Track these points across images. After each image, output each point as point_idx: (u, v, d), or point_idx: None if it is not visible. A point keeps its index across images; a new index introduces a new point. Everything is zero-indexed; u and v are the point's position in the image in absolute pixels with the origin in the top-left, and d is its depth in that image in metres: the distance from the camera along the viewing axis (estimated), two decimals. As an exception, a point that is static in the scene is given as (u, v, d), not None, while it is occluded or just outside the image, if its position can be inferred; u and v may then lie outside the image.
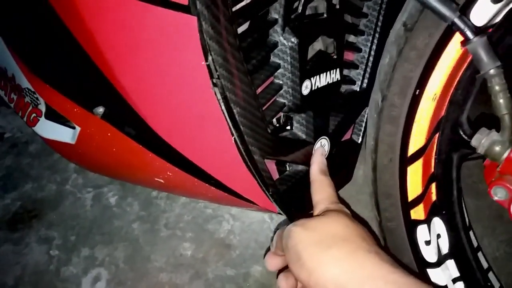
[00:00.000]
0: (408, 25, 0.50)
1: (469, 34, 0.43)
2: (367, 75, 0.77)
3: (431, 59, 0.51)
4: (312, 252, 0.50)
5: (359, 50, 0.76)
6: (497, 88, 0.43)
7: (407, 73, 0.53)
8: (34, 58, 0.67)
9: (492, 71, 0.43)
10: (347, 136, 0.83)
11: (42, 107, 0.68)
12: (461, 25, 0.43)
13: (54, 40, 0.59)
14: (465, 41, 0.44)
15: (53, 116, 0.67)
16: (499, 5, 0.45)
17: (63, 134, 0.66)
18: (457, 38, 0.49)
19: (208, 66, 0.49)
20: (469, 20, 0.47)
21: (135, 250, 1.07)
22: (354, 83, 0.78)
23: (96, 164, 0.74)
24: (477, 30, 0.44)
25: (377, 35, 0.76)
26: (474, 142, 0.50)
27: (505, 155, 0.47)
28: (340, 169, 0.82)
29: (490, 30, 0.49)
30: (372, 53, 0.77)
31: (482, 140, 0.49)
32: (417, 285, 0.43)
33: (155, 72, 0.52)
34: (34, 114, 0.70)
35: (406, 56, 0.52)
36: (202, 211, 1.16)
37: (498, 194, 0.47)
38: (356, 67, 0.77)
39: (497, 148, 0.47)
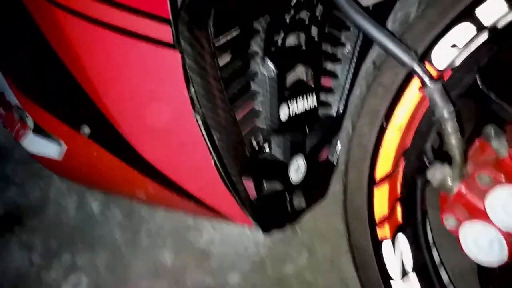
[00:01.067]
0: (377, 63, 0.55)
1: (426, 80, 0.47)
2: (343, 100, 0.82)
3: (397, 95, 0.56)
4: None
5: (336, 76, 0.81)
6: (449, 130, 0.48)
7: (375, 106, 0.58)
8: (23, 78, 0.70)
9: (446, 115, 0.48)
10: (324, 157, 0.87)
11: (30, 123, 0.71)
12: (419, 72, 0.47)
13: (42, 62, 0.62)
14: (423, 87, 0.49)
15: (41, 132, 0.70)
16: (457, 51, 0.50)
17: (50, 150, 0.69)
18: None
19: (191, 97, 0.52)
20: (431, 62, 0.51)
21: (116, 258, 1.10)
22: (330, 107, 0.82)
23: (81, 179, 0.76)
24: (433, 78, 0.48)
25: (353, 64, 0.80)
26: (429, 175, 0.55)
27: (455, 188, 0.52)
28: (316, 186, 0.87)
29: (450, 71, 0.53)
30: (349, 80, 0.81)
31: (436, 174, 0.54)
32: None
33: (139, 98, 0.56)
34: (22, 130, 0.72)
35: (374, 91, 0.56)
36: (183, 220, 1.19)
37: (450, 223, 0.52)
38: (333, 92, 0.81)
39: (449, 182, 0.52)
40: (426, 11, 0.48)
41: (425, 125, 0.61)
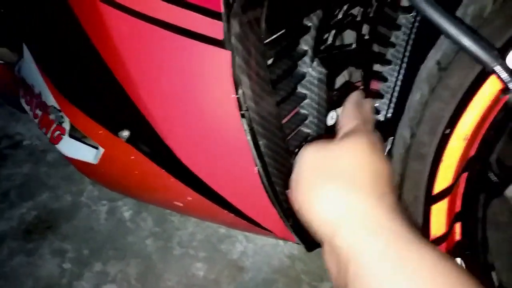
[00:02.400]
0: (442, 64, 0.50)
1: (510, 84, 0.42)
2: (392, 104, 0.77)
3: (464, 100, 0.50)
4: (310, 178, 0.46)
5: (385, 79, 0.76)
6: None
7: (438, 111, 0.52)
8: (63, 78, 0.67)
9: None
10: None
11: (67, 125, 0.68)
12: (503, 75, 0.42)
13: (83, 62, 0.60)
14: (505, 90, 0.43)
15: (77, 134, 0.68)
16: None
17: (86, 154, 0.66)
18: (492, 79, 0.49)
19: (238, 98, 0.48)
20: (506, 64, 0.46)
21: (147, 267, 1.07)
22: (379, 112, 0.77)
23: (117, 185, 0.74)
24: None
25: (404, 66, 0.75)
26: (509, 193, 0.49)
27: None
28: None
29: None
30: (398, 83, 0.76)
31: (518, 192, 0.48)
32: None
33: (183, 100, 0.52)
34: (58, 132, 0.70)
35: (438, 95, 0.51)
36: (216, 230, 1.15)
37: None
38: (381, 96, 0.76)
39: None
40: (505, 5, 0.43)
41: (493, 135, 0.55)
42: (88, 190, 1.29)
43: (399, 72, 0.76)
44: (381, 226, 0.40)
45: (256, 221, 0.67)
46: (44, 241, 1.15)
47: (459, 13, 0.48)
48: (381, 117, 0.77)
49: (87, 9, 0.51)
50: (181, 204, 0.69)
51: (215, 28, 0.44)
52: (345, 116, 0.56)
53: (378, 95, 0.77)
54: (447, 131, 0.53)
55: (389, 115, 0.77)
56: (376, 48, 0.78)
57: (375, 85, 0.78)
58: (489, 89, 0.49)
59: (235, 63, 0.45)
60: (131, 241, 1.14)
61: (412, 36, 0.74)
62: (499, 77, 0.42)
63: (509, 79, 0.42)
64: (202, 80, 0.49)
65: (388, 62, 0.75)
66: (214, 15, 0.43)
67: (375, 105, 0.78)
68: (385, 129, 0.78)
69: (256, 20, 0.45)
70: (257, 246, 1.11)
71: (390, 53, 0.76)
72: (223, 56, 0.45)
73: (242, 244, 1.12)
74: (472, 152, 0.56)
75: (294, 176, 0.49)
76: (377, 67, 0.78)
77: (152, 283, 1.03)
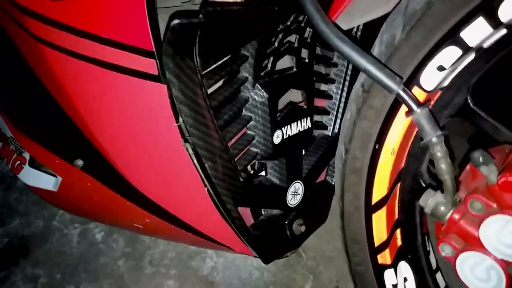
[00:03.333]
0: (365, 87, 0.54)
1: (412, 105, 0.47)
2: (338, 120, 0.81)
3: (388, 118, 0.55)
4: None
5: (330, 97, 0.80)
6: (438, 154, 0.47)
7: (366, 129, 0.57)
8: (17, 114, 0.70)
9: (434, 140, 0.46)
10: (321, 178, 0.86)
11: (26, 155, 0.71)
12: (405, 97, 0.47)
13: (33, 98, 0.63)
14: (409, 112, 0.48)
15: (36, 164, 0.70)
16: (445, 72, 0.49)
17: (46, 182, 0.69)
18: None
19: (179, 126, 0.52)
20: (420, 84, 0.51)
21: (120, 287, 1.09)
22: (326, 128, 0.82)
23: (78, 210, 0.76)
24: (419, 102, 0.47)
25: (347, 83, 0.80)
26: (421, 202, 0.53)
27: (448, 215, 0.50)
28: (316, 209, 0.85)
29: (440, 92, 0.53)
30: (343, 99, 0.81)
31: (428, 201, 0.52)
32: None
33: (129, 131, 0.56)
34: (18, 162, 0.72)
35: (364, 115, 0.56)
36: (186, 247, 1.17)
37: (445, 250, 0.50)
38: (327, 113, 0.81)
39: (442, 209, 0.51)
40: (410, 34, 0.48)
41: (419, 147, 0.60)
42: (60, 214, 1.30)
43: (342, 90, 0.81)
44: None
45: (214, 239, 0.71)
46: (16, 268, 1.15)
47: (377, 40, 0.53)
48: (328, 132, 0.82)
49: (30, 47, 0.54)
50: (141, 226, 0.72)
51: (149, 65, 0.47)
52: None
53: (324, 112, 0.81)
54: (376, 146, 0.58)
55: (335, 130, 0.82)
56: (322, 69, 0.83)
57: (322, 102, 0.82)
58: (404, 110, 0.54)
59: (172, 94, 0.49)
60: (103, 262, 1.15)
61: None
62: (402, 100, 0.47)
63: (410, 101, 0.46)
64: (145, 112, 0.53)
65: (332, 81, 0.80)
66: (146, 53, 0.47)
67: (323, 121, 0.83)
68: (333, 143, 0.83)
69: (189, 54, 0.49)
70: (227, 261, 1.14)
71: (333, 72, 0.81)
72: (161, 89, 0.49)
73: (212, 259, 1.14)
74: (402, 164, 0.61)
75: None
76: (323, 86, 0.83)
77: (123, 303, 1.05)
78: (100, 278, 1.12)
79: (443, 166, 0.47)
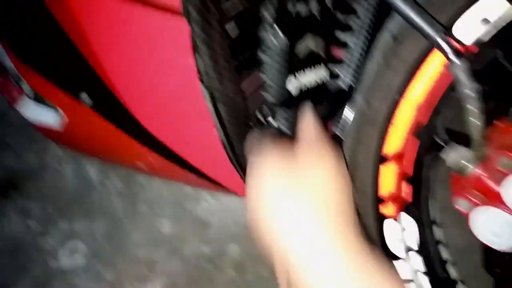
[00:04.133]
0: (396, 35, 0.52)
1: (451, 57, 0.45)
2: (355, 73, 0.79)
3: (415, 69, 0.53)
4: (273, 194, 0.42)
5: (348, 47, 0.78)
6: (474, 110, 0.46)
7: (390, 80, 0.55)
8: (20, 42, 0.66)
9: (471, 94, 0.45)
10: (330, 130, 0.85)
11: (27, 89, 0.68)
12: (444, 47, 0.45)
13: (41, 26, 0.59)
14: (448, 63, 0.46)
15: (39, 99, 0.67)
16: (488, 26, 0.47)
17: (49, 118, 0.67)
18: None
19: (198, 67, 0.50)
20: (454, 36, 0.49)
21: (114, 225, 1.10)
22: (341, 79, 0.80)
23: (81, 148, 0.75)
24: (460, 53, 0.46)
25: (369, 35, 0.77)
26: (443, 154, 0.53)
27: (472, 171, 0.50)
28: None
29: (477, 49, 0.51)
30: (363, 51, 0.78)
31: (452, 154, 0.52)
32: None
33: (143, 67, 0.53)
34: (18, 95, 0.69)
35: (391, 65, 0.54)
36: (182, 189, 1.18)
37: (461, 205, 0.51)
38: (344, 64, 0.79)
39: (464, 163, 0.51)
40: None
41: (442, 104, 0.59)
42: (54, 151, 1.28)
43: (363, 42, 0.78)
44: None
45: (219, 182, 0.70)
46: (9, 201, 1.15)
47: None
48: (343, 85, 0.80)
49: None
50: (144, 165, 0.71)
51: (172, -2, 0.44)
52: (302, 127, 0.52)
53: (341, 62, 0.79)
54: (399, 98, 0.56)
55: (351, 83, 0.80)
56: (341, 16, 0.79)
57: (339, 52, 0.80)
58: (437, 61, 0.52)
59: (194, 32, 0.46)
60: (97, 200, 1.15)
61: (376, 6, 0.76)
62: (442, 50, 0.45)
63: (450, 52, 0.44)
64: (162, 49, 0.50)
65: (351, 30, 0.77)
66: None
67: (337, 70, 0.80)
68: (346, 97, 0.81)
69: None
70: (222, 204, 1.15)
71: (353, 21, 0.77)
72: (182, 26, 0.46)
73: (208, 202, 1.15)
74: (422, 120, 0.60)
75: (254, 184, 0.45)
76: (342, 35, 0.80)
77: (118, 239, 1.06)
78: (94, 217, 1.12)
79: (477, 122, 0.46)
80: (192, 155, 0.65)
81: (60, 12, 0.52)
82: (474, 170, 0.50)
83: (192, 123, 0.59)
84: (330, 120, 0.82)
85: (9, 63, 0.67)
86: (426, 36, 0.45)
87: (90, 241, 1.06)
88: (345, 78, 0.79)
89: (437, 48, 0.46)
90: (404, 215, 0.69)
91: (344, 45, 0.77)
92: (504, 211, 0.48)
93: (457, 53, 0.45)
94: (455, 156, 0.52)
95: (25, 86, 0.67)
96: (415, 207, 0.69)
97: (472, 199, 0.50)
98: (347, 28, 0.77)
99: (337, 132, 0.86)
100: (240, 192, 0.71)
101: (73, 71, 0.59)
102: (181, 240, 1.06)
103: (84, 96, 0.60)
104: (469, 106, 0.46)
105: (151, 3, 0.45)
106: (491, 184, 0.49)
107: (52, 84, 0.62)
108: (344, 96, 0.79)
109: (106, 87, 0.56)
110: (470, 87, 0.45)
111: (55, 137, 0.72)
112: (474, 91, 0.45)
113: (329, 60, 0.73)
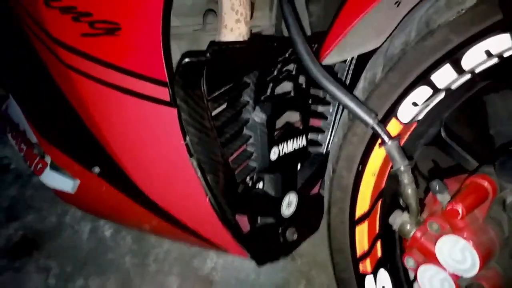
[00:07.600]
0: (350, 116, 0.62)
1: (385, 138, 0.54)
2: (331, 139, 0.89)
3: (369, 144, 0.62)
4: None
5: (325, 117, 0.88)
6: (405, 181, 0.54)
7: (351, 152, 0.64)
8: (42, 123, 0.79)
9: (402, 168, 0.54)
10: (315, 190, 0.94)
11: (48, 159, 0.80)
12: (378, 131, 0.54)
13: (59, 111, 0.72)
14: (382, 143, 0.55)
15: (56, 168, 0.79)
16: (419, 107, 0.56)
17: (64, 184, 0.78)
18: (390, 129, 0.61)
19: (186, 144, 0.60)
20: (397, 117, 0.58)
21: (125, 281, 1.17)
22: (320, 145, 0.89)
23: (93, 210, 0.85)
24: (391, 136, 0.55)
25: (341, 106, 0.87)
26: (390, 220, 0.61)
27: (412, 233, 0.58)
28: (308, 218, 0.93)
29: (416, 124, 0.60)
30: (337, 120, 0.88)
31: (396, 220, 0.60)
32: None
33: (143, 146, 0.64)
34: (40, 165, 0.81)
35: (349, 140, 0.63)
36: (189, 248, 1.25)
37: (409, 263, 0.58)
38: (322, 132, 0.88)
39: (407, 227, 0.58)
40: (388, 74, 0.55)
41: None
42: (72, 211, 1.39)
43: (337, 111, 0.88)
44: None
45: (213, 242, 0.79)
46: (30, 259, 1.24)
47: (363, 75, 0.61)
48: (322, 149, 0.89)
49: (59, 70, 0.63)
50: (149, 227, 0.81)
51: (163, 92, 0.56)
52: None
53: (319, 130, 0.89)
54: (360, 168, 0.65)
55: (328, 148, 0.89)
56: (317, 92, 0.90)
57: (317, 122, 0.90)
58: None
59: (181, 118, 0.57)
60: (111, 258, 1.24)
61: (348, 81, 0.86)
62: (375, 132, 0.55)
63: (383, 134, 0.54)
64: (157, 131, 0.61)
65: (327, 103, 0.87)
66: (161, 82, 0.55)
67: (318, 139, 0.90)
68: (326, 160, 0.90)
69: (197, 84, 0.57)
70: (226, 262, 1.22)
71: (328, 96, 0.88)
72: (172, 113, 0.57)
73: (212, 260, 1.22)
74: (383, 185, 0.68)
75: None
76: (319, 108, 0.90)
77: (129, 296, 1.13)
78: (107, 273, 1.20)
79: (409, 192, 0.55)
80: (188, 218, 0.74)
81: (75, 100, 0.64)
82: (414, 233, 0.58)
83: (187, 190, 0.69)
84: (316, 182, 0.91)
85: (33, 137, 0.80)
86: (363, 122, 0.54)
87: (103, 298, 1.13)
88: (324, 144, 0.88)
89: (373, 130, 0.55)
90: (382, 271, 0.76)
91: (321, 116, 0.87)
92: (440, 268, 0.55)
93: (388, 135, 0.54)
94: (400, 221, 0.60)
95: (47, 157, 0.79)
96: (390, 264, 0.76)
97: (416, 258, 0.58)
98: (325, 103, 0.88)
99: (321, 193, 0.95)
100: (232, 250, 0.79)
101: (85, 147, 0.71)
102: (187, 297, 1.13)
103: (95, 168, 0.71)
104: (402, 179, 0.54)
105: (147, 96, 0.57)
106: (428, 245, 0.57)
107: (70, 158, 0.74)
108: (325, 160, 0.88)
109: (113, 161, 0.67)
110: (401, 163, 0.54)
111: (70, 200, 0.82)
112: (404, 166, 0.54)
113: (308, 129, 0.83)
